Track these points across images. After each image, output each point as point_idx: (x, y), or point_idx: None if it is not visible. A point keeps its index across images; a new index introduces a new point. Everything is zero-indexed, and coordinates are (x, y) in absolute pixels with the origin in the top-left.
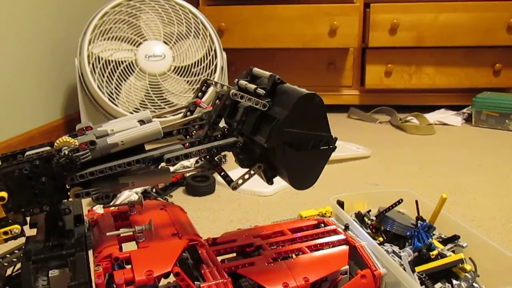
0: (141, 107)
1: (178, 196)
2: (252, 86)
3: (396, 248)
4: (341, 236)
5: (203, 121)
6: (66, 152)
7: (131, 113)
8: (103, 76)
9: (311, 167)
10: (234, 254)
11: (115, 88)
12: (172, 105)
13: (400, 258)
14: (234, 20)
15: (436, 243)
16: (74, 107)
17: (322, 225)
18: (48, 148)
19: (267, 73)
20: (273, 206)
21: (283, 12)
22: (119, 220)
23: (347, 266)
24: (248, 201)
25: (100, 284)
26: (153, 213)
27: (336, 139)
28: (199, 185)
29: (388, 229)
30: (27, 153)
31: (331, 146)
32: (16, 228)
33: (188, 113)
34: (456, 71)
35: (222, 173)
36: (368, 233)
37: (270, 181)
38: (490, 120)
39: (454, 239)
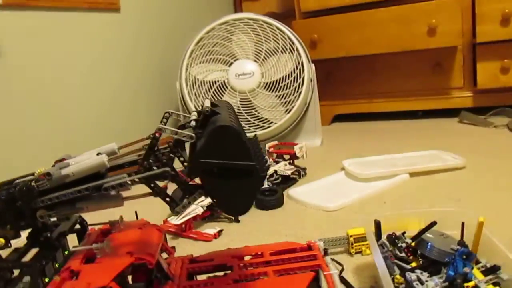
0: None
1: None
2: (193, 117)
3: (425, 276)
4: (317, 262)
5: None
6: (25, 183)
7: None
8: (199, 96)
9: (239, 195)
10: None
11: None
12: (263, 120)
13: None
14: (327, 30)
15: (477, 273)
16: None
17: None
18: (31, 177)
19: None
20: (335, 221)
21: (376, 15)
22: (104, 236)
23: None
24: (312, 216)
25: None
26: (128, 231)
27: (259, 168)
28: (266, 199)
29: (425, 253)
30: (16, 181)
31: (254, 175)
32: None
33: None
34: None
35: (166, 199)
36: (402, 256)
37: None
38: None
39: (495, 269)
